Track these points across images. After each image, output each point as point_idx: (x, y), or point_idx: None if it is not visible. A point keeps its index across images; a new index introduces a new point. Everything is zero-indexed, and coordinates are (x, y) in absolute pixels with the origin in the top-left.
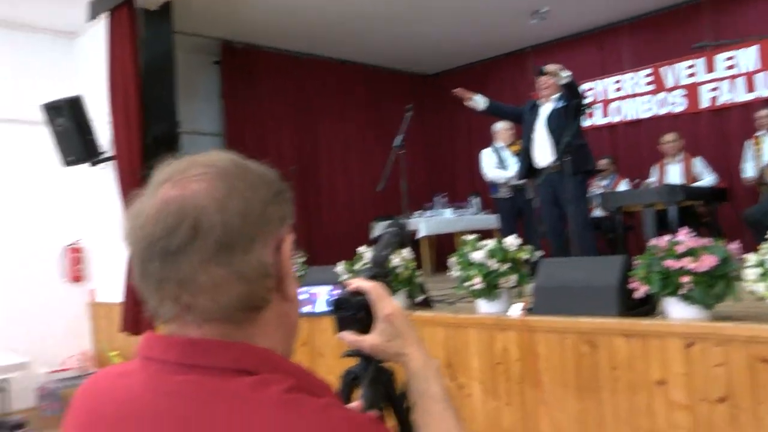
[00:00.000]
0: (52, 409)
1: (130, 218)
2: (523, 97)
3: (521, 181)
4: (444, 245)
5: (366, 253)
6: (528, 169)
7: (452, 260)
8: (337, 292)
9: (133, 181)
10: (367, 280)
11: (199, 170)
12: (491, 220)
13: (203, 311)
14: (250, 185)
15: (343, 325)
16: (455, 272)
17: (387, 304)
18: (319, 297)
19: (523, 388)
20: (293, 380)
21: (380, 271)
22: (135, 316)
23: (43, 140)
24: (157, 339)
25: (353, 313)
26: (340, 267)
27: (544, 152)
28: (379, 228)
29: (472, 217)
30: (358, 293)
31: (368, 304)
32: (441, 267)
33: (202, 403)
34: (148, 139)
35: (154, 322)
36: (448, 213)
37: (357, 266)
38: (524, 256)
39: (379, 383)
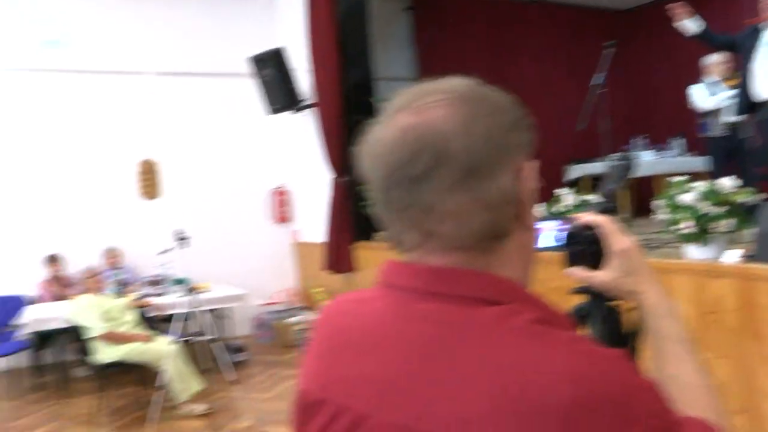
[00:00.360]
0: (264, 338)
1: (367, 148)
2: (734, 30)
3: (739, 118)
4: (642, 189)
5: (566, 195)
6: (747, 103)
7: (658, 203)
8: (567, 226)
9: (333, 126)
10: (598, 214)
11: (437, 96)
12: (696, 163)
13: (446, 239)
14: (491, 111)
15: (573, 260)
16: (661, 216)
17: (621, 238)
18: (544, 232)
19: (741, 340)
20: (539, 312)
21: (610, 206)
22: (336, 255)
23: (249, 91)
24: (399, 267)
25: (584, 247)
26: (539, 208)
27: (767, 83)
28: (575, 170)
29: (674, 159)
30: (589, 227)
31: (600, 238)
32: (641, 211)
33: (448, 331)
34: (346, 86)
35: (355, 262)
36: (649, 155)
37: (556, 208)
38: (742, 198)
39: (608, 322)
